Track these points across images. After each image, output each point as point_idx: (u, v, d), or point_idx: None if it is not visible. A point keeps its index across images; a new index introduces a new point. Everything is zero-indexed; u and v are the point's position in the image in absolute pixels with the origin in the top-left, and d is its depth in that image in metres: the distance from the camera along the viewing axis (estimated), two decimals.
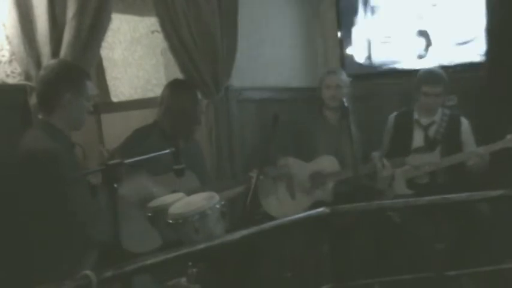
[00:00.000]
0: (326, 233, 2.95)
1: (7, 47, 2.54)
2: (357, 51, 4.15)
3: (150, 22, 3.75)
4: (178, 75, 3.10)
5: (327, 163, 3.19)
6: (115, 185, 1.77)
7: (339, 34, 4.18)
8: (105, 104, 3.62)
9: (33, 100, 2.43)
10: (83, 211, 2.00)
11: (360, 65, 4.13)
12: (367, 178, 3.07)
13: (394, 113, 3.41)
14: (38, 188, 1.93)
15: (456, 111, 3.34)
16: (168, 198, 2.27)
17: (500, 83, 3.40)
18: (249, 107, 3.58)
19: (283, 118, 2.64)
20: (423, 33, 3.95)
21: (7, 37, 2.51)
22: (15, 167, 2.02)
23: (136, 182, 2.45)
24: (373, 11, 4.08)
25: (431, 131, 3.25)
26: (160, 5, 2.89)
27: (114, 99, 3.77)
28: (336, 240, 2.98)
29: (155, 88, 3.78)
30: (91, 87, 2.22)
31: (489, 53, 3.56)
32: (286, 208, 3.09)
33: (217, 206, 2.11)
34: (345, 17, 4.13)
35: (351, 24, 4.12)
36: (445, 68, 3.44)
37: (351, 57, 4.14)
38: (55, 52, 2.45)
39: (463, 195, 2.13)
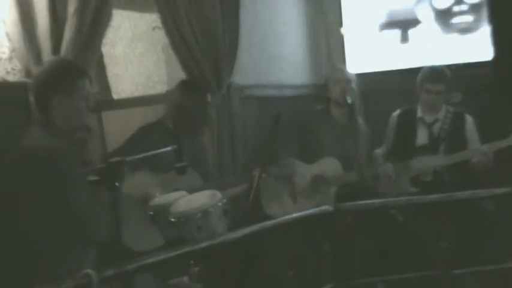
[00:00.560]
0: (328, 232, 2.95)
1: (7, 44, 2.53)
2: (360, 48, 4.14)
3: (152, 18, 3.74)
4: (180, 72, 3.10)
5: (330, 166, 3.14)
6: (116, 184, 1.77)
7: (342, 30, 4.17)
8: (106, 102, 3.61)
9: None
10: (84, 209, 2.00)
11: (363, 61, 4.12)
12: (371, 178, 3.06)
13: (397, 111, 3.40)
14: (38, 186, 1.93)
15: (460, 108, 3.33)
16: (170, 196, 2.27)
17: (505, 80, 3.39)
18: (251, 104, 3.57)
19: (286, 116, 2.63)
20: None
21: (7, 34, 2.51)
22: (15, 165, 2.02)
23: (137, 179, 2.46)
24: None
25: (435, 129, 3.25)
26: (162, 1, 2.89)
27: (115, 96, 3.76)
28: (338, 238, 2.97)
29: (156, 85, 3.78)
30: (87, 86, 2.18)
31: (494, 49, 3.55)
32: (288, 212, 3.07)
33: (220, 204, 2.11)
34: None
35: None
36: (448, 65, 3.44)
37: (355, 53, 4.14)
38: (56, 48, 2.45)
39: (467, 193, 2.13)
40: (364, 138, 3.20)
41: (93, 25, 2.50)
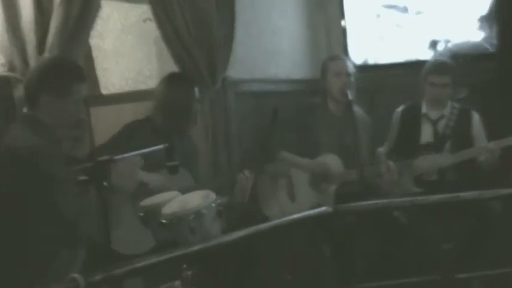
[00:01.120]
0: (328, 234, 2.95)
1: None
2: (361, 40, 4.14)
3: (142, 10, 3.73)
4: (172, 65, 3.09)
5: (330, 163, 3.13)
6: (104, 183, 1.76)
7: (343, 23, 4.17)
8: (95, 97, 3.60)
9: (17, 92, 2.42)
10: (70, 210, 2.00)
11: (364, 55, 4.12)
12: (372, 176, 3.05)
13: (401, 107, 3.40)
14: (21, 187, 1.93)
15: (467, 104, 3.34)
16: (161, 196, 2.27)
17: (510, 75, 3.40)
18: (247, 100, 3.57)
19: (283, 112, 2.63)
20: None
21: None
22: None
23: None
24: None
25: (441, 126, 3.25)
26: None
27: (104, 91, 3.76)
28: (338, 241, 2.98)
29: (147, 80, 3.77)
30: (83, 90, 2.17)
31: (499, 42, 3.55)
32: (285, 212, 3.07)
33: (213, 205, 2.11)
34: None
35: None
36: (455, 57, 3.44)
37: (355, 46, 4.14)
38: (41, 41, 2.45)
39: (473, 193, 2.13)
40: (365, 128, 3.18)
41: (81, 16, 2.50)
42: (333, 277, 2.80)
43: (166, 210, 2.11)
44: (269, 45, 3.81)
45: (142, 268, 1.54)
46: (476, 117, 3.26)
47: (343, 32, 4.16)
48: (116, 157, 1.92)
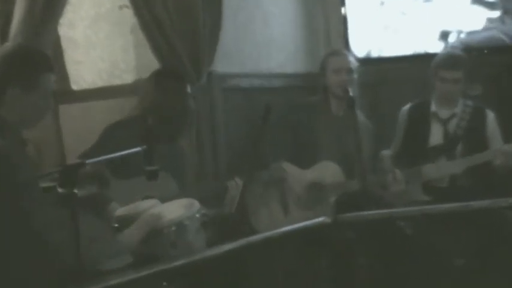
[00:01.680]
0: (326, 247, 2.97)
1: None
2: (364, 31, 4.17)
3: None
4: (151, 58, 3.10)
5: (329, 172, 3.15)
6: (75, 191, 1.77)
7: (343, 10, 4.19)
8: (64, 93, 3.60)
9: None
10: (38, 222, 1.99)
11: (367, 46, 4.15)
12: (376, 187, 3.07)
13: (408, 105, 3.43)
14: None
15: (480, 102, 3.36)
16: (139, 206, 2.27)
17: None
18: (235, 96, 3.58)
19: (276, 111, 2.65)
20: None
21: None
22: None
23: None
24: None
25: (452, 126, 3.28)
26: None
27: (75, 86, 3.75)
28: (337, 255, 2.99)
29: (123, 74, 3.77)
30: (51, 82, 2.16)
31: None
32: (277, 225, 3.08)
33: (197, 216, 2.12)
34: None
35: None
36: (468, 50, 3.47)
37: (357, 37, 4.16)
38: (3, 30, 2.45)
39: (487, 202, 2.15)
40: (366, 136, 3.21)
41: (48, 3, 2.50)
42: None
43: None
44: (259, 36, 3.82)
45: (118, 286, 1.55)
46: (491, 116, 3.29)
47: (344, 20, 4.18)
48: (88, 161, 1.92)
